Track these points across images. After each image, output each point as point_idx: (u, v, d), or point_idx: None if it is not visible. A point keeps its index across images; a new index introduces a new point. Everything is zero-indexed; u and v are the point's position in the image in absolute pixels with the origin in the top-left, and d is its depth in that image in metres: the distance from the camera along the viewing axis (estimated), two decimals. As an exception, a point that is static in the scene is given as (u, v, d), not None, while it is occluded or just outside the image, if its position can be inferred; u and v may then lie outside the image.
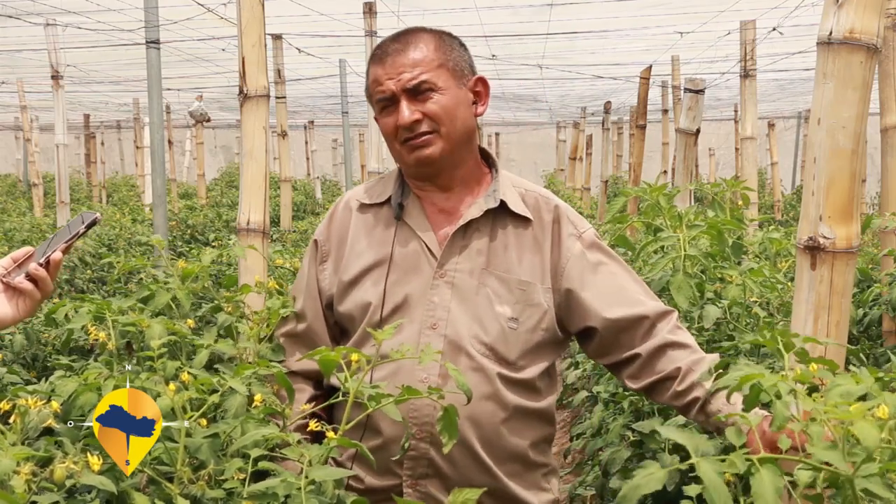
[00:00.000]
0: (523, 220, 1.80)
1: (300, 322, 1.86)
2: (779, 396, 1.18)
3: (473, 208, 1.79)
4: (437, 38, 1.78)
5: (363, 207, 1.86)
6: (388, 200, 1.84)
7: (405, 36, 1.78)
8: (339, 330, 1.87)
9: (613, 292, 1.77)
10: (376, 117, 1.83)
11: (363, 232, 1.83)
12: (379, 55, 1.77)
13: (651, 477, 1.08)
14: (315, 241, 1.88)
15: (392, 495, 1.69)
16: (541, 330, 1.77)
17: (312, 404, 1.52)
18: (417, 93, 1.72)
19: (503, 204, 1.78)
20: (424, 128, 1.73)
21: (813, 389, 1.33)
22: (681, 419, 2.14)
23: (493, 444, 1.73)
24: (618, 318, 1.75)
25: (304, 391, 1.80)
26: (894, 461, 1.04)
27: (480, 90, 1.81)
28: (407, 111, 1.72)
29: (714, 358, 1.70)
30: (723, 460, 1.07)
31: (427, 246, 1.78)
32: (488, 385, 1.72)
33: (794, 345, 1.36)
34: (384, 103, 1.76)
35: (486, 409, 1.72)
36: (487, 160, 1.88)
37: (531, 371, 1.77)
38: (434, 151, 1.74)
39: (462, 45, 1.82)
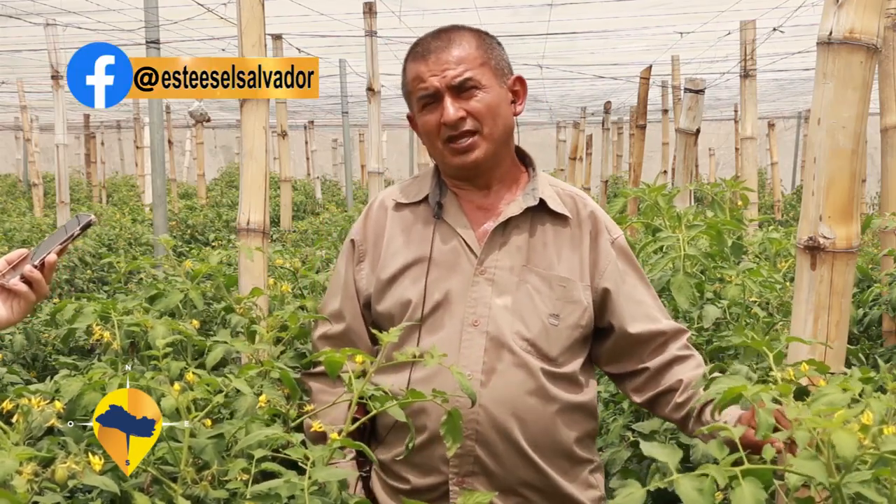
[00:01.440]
0: (561, 219, 1.81)
1: (338, 323, 1.85)
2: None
3: (513, 206, 1.79)
4: (479, 37, 1.78)
5: (399, 206, 1.85)
6: (425, 199, 1.83)
7: (447, 33, 1.77)
8: (377, 329, 1.85)
9: (635, 306, 1.80)
10: (410, 115, 1.83)
11: (399, 230, 1.82)
12: (420, 52, 1.76)
13: (631, 497, 1.09)
14: (352, 240, 1.87)
15: (439, 494, 1.70)
16: (580, 327, 1.77)
17: (351, 410, 1.49)
18: (462, 90, 1.72)
19: (542, 202, 1.79)
20: (468, 126, 1.73)
21: (803, 392, 1.33)
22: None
23: (539, 440, 1.73)
24: (637, 333, 1.79)
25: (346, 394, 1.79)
26: (885, 468, 1.04)
27: (518, 89, 1.82)
28: (451, 108, 1.71)
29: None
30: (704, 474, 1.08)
31: (466, 243, 1.77)
32: (532, 381, 1.71)
33: (774, 348, 1.36)
34: (426, 100, 1.75)
35: (531, 404, 1.71)
36: (524, 159, 1.89)
37: (572, 365, 1.77)
38: (478, 155, 1.75)
39: (499, 43, 1.83)
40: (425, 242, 1.79)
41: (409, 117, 1.85)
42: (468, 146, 1.74)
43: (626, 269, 1.82)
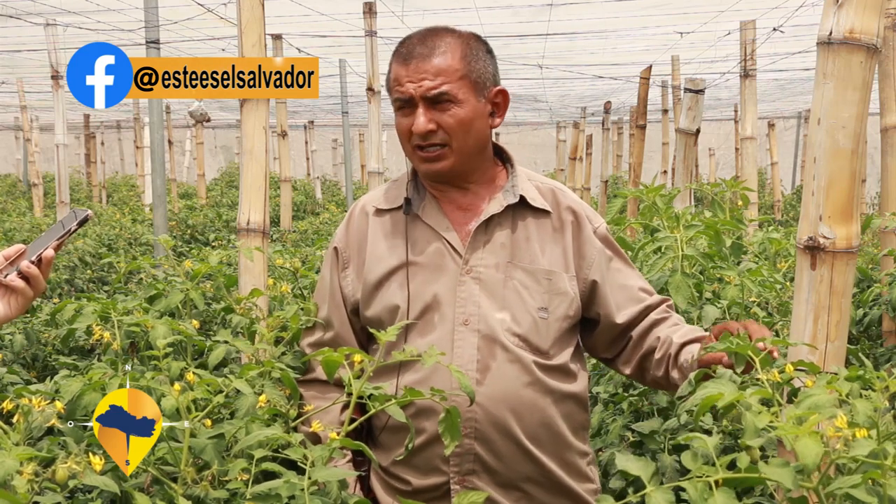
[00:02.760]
0: (543, 213, 1.82)
1: (327, 331, 1.86)
2: (748, 408, 1.20)
3: (493, 204, 1.80)
4: (465, 46, 1.75)
5: (379, 212, 1.85)
6: (405, 203, 1.84)
7: (432, 39, 1.75)
8: (366, 335, 1.84)
9: (620, 291, 1.83)
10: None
11: (381, 235, 1.83)
12: (404, 54, 1.74)
13: None
14: (335, 248, 1.87)
15: (440, 494, 1.71)
16: (569, 317, 1.79)
17: (348, 411, 1.49)
18: (436, 102, 1.71)
19: (522, 198, 1.80)
20: (437, 139, 1.73)
21: (796, 393, 1.33)
22: (675, 422, 2.15)
23: (538, 433, 1.74)
24: (625, 321, 1.82)
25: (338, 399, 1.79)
26: (875, 471, 1.04)
27: (499, 102, 1.80)
28: (422, 119, 1.71)
29: (692, 328, 1.78)
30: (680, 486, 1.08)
31: (450, 244, 1.78)
32: (527, 374, 1.73)
33: (760, 352, 1.36)
34: (401, 104, 1.75)
35: (527, 398, 1.73)
36: (501, 155, 1.89)
37: (563, 356, 1.79)
38: (444, 166, 1.75)
39: (488, 51, 1.80)
40: (409, 246, 1.80)
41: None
42: (436, 156, 1.74)
43: (610, 256, 1.85)
